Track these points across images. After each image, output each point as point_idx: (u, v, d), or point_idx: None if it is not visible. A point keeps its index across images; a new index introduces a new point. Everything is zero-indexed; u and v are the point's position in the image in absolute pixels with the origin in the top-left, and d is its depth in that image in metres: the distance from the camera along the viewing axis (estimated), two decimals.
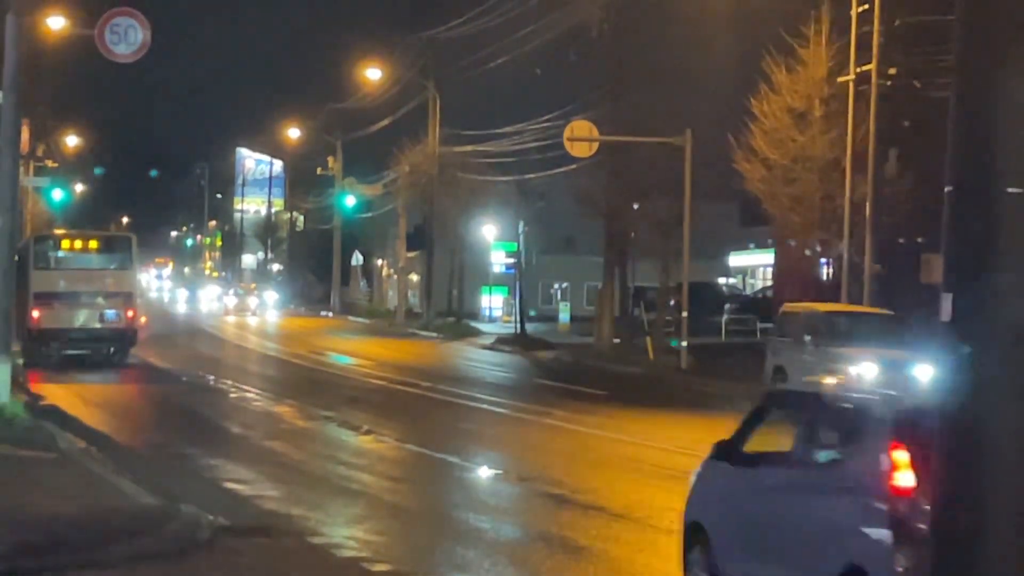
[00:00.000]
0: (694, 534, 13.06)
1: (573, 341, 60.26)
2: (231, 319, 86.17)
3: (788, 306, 36.41)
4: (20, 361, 32.22)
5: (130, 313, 43.52)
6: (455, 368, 48.52)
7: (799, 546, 11.46)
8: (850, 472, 11.18)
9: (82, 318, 43.15)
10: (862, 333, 32.02)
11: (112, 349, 43.80)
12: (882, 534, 10.60)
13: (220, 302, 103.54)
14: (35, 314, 42.15)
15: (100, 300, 43.23)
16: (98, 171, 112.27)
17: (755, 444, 12.71)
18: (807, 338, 32.95)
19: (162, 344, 52.82)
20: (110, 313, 43.32)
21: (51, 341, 42.70)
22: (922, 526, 9.58)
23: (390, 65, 78.54)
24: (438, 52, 73.69)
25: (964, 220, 6.40)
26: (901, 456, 10.66)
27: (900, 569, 10.39)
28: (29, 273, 41.74)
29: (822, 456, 11.72)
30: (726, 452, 12.87)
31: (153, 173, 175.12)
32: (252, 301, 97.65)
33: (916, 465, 10.57)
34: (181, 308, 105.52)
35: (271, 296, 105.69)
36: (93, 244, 45.64)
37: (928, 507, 8.62)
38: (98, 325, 43.29)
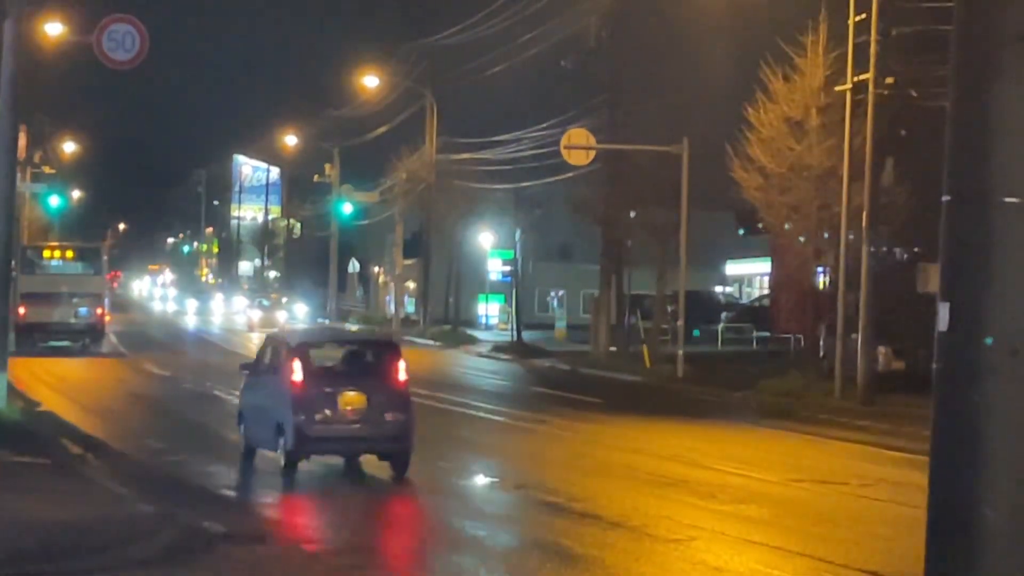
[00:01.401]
0: (241, 417, 23.79)
1: (569, 349, 60.26)
2: (255, 336, 70.35)
3: None
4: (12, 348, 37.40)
5: (99, 310, 52.70)
6: (451, 376, 48.47)
7: (265, 416, 22.08)
8: (279, 374, 21.95)
9: (60, 314, 51.94)
10: None
11: (88, 340, 52.90)
12: (289, 405, 21.14)
13: (244, 315, 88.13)
14: (21, 310, 49.19)
15: (75, 299, 51.87)
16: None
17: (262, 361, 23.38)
18: None
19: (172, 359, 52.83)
20: (83, 310, 52.42)
21: (35, 332, 50.82)
22: (306, 401, 20.98)
23: (388, 73, 78.56)
24: (436, 60, 73.74)
25: (961, 230, 6.40)
26: (296, 364, 21.39)
27: (298, 421, 20.96)
28: (18, 277, 47.68)
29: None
30: (250, 367, 24.16)
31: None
32: (280, 315, 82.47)
33: (303, 369, 21.34)
34: (191, 322, 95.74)
35: (300, 309, 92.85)
36: (69, 254, 56.00)
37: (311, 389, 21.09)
38: (73, 320, 52.09)
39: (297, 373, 21.28)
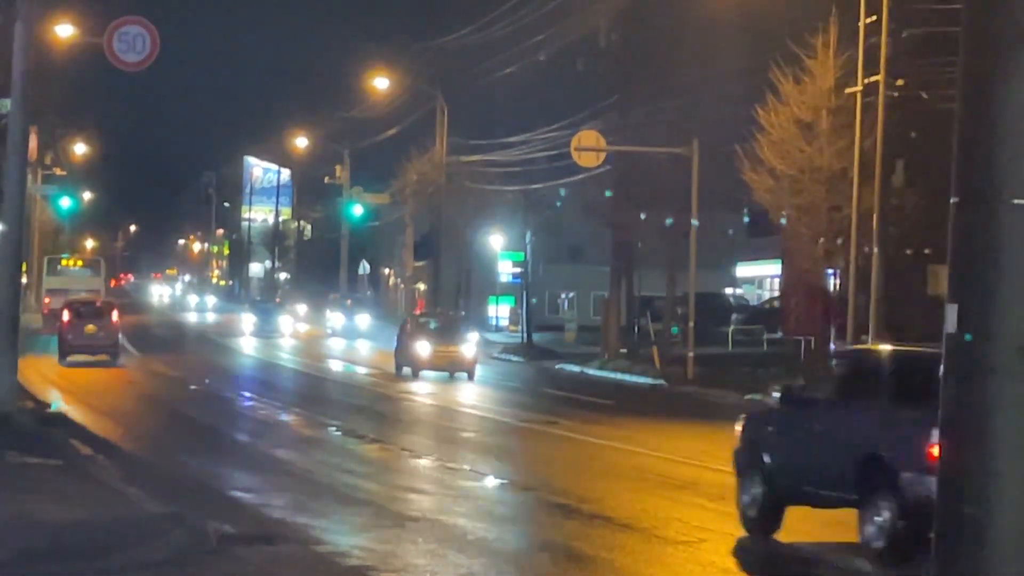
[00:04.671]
0: (57, 340, 49.69)
1: (579, 351, 60.24)
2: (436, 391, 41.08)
3: None
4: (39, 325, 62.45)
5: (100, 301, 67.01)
6: (460, 377, 48.40)
7: (59, 338, 49.61)
8: (60, 317, 49.97)
9: None
10: None
11: None
12: (61, 330, 48.78)
13: (418, 348, 46.08)
14: (47, 300, 70.37)
15: (81, 294, 64.90)
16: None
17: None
18: None
19: None
20: None
21: (54, 317, 68.09)
22: (68, 328, 48.15)
23: (398, 74, 78.58)
24: (446, 61, 73.75)
25: (969, 231, 6.40)
26: (65, 312, 48.93)
27: (65, 338, 48.14)
28: (43, 277, 76.46)
29: None
30: (58, 315, 50.79)
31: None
32: (467, 350, 45.97)
33: (68, 314, 48.60)
34: (265, 352, 61.87)
35: (472, 339, 47.99)
36: (79, 262, 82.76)
37: (71, 323, 48.60)
38: None
39: (65, 316, 48.09)
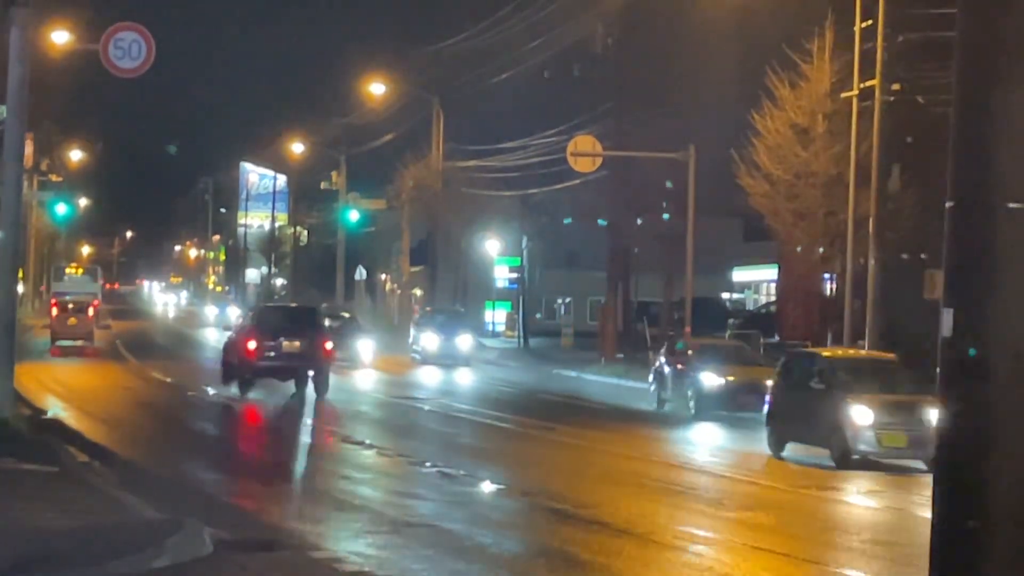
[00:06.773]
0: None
1: (576, 356, 60.21)
2: None
3: None
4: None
5: (95, 302, 71.97)
6: (457, 383, 48.43)
7: None
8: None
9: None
10: None
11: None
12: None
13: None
14: (53, 303, 72.58)
15: (81, 296, 71.46)
16: (172, 148, 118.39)
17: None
18: None
19: None
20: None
21: None
22: (55, 322, 61.19)
23: (394, 80, 78.60)
24: (442, 67, 73.82)
25: (964, 235, 6.39)
26: (56, 308, 63.46)
27: (50, 329, 62.68)
28: (51, 283, 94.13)
29: None
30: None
31: (172, 149, 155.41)
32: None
33: (58, 310, 61.75)
34: None
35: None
36: (80, 270, 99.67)
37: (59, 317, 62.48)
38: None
39: (54, 312, 57.16)
